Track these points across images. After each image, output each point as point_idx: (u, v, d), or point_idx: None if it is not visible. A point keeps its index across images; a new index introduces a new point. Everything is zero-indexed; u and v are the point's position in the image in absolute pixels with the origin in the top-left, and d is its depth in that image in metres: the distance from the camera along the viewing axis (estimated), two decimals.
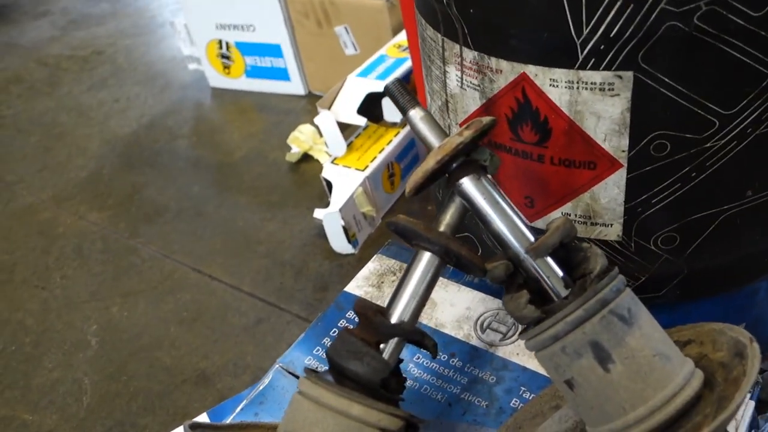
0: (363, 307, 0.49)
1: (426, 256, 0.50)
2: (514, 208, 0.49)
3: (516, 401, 0.61)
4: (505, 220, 0.48)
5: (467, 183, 0.49)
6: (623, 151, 0.55)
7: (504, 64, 0.55)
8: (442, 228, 0.50)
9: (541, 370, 0.63)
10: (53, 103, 1.70)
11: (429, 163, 0.47)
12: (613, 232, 0.61)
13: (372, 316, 0.48)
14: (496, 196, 0.49)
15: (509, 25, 0.53)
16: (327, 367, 0.49)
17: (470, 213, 0.50)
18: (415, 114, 0.51)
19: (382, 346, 0.49)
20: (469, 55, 0.57)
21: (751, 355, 0.44)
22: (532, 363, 0.64)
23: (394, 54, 1.18)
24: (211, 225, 1.21)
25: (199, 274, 1.10)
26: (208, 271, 1.10)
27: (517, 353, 0.65)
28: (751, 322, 0.74)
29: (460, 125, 0.63)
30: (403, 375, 0.51)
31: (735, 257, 0.63)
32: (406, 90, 0.51)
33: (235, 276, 1.08)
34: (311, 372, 0.48)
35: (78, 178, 1.40)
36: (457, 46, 0.58)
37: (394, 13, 1.25)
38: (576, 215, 0.61)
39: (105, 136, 1.53)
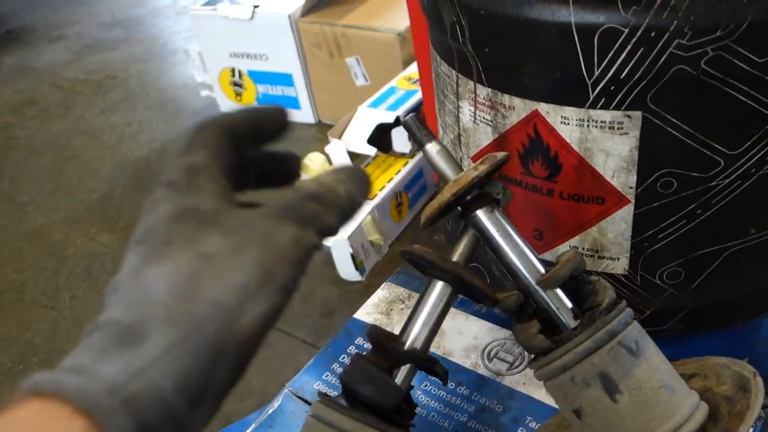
0: (376, 333, 0.50)
1: (439, 285, 0.51)
2: (525, 240, 0.51)
3: (522, 430, 0.62)
4: (516, 252, 0.50)
5: (481, 215, 0.50)
6: (631, 187, 0.57)
7: (517, 101, 0.57)
8: (455, 258, 0.52)
9: (547, 400, 0.64)
10: (67, 126, 1.73)
11: (445, 196, 0.49)
12: (620, 265, 0.62)
13: (385, 343, 0.49)
14: (509, 229, 0.50)
15: (523, 63, 0.55)
16: (337, 393, 0.50)
17: (482, 244, 0.52)
18: (432, 148, 0.53)
19: (394, 372, 0.50)
20: (483, 91, 0.59)
21: (755, 389, 0.45)
22: (538, 393, 0.65)
23: (405, 86, 1.20)
24: None
25: None
26: None
27: (524, 383, 0.66)
28: (755, 357, 0.75)
29: (472, 159, 0.65)
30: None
31: (738, 293, 0.64)
32: (423, 124, 0.53)
33: None
34: (324, 396, 0.50)
35: (89, 200, 1.42)
36: (472, 83, 0.60)
37: (404, 46, 1.28)
38: (584, 249, 0.62)
39: (117, 159, 1.55)
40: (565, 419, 0.59)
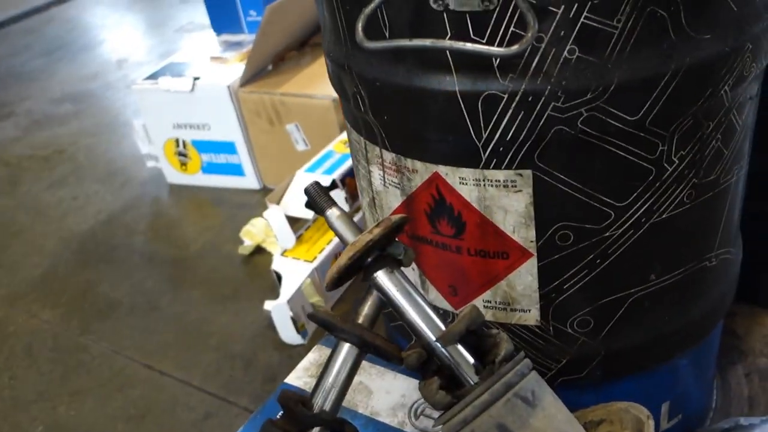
0: (285, 398, 0.51)
1: (345, 347, 0.52)
2: (426, 298, 0.52)
3: None
4: (417, 309, 0.51)
5: (381, 276, 0.52)
6: (531, 241, 0.59)
7: (419, 165, 0.60)
8: (360, 320, 0.53)
9: None
10: (13, 202, 1.73)
11: (342, 260, 0.50)
12: (532, 317, 0.64)
13: (293, 407, 0.50)
14: (408, 288, 0.52)
15: (420, 130, 0.58)
16: None
17: (387, 305, 0.53)
18: (332, 214, 0.55)
19: None
20: (388, 156, 0.62)
21: None
22: None
23: (341, 150, 1.23)
24: (164, 319, 1.22)
25: (150, 370, 1.11)
26: (158, 367, 1.11)
27: None
28: (678, 398, 0.77)
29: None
30: None
31: (648, 337, 0.67)
32: (324, 191, 0.56)
33: (186, 370, 1.09)
34: None
35: (32, 276, 1.41)
36: (377, 149, 0.63)
37: (340, 111, 1.31)
38: (496, 302, 0.64)
39: (62, 234, 1.55)
40: None
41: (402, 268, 0.53)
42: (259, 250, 1.34)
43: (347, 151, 1.23)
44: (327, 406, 0.51)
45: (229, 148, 1.49)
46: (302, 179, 1.17)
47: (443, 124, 0.56)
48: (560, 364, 0.67)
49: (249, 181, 1.53)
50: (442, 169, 0.59)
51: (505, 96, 0.51)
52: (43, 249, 1.50)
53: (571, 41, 0.49)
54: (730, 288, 0.72)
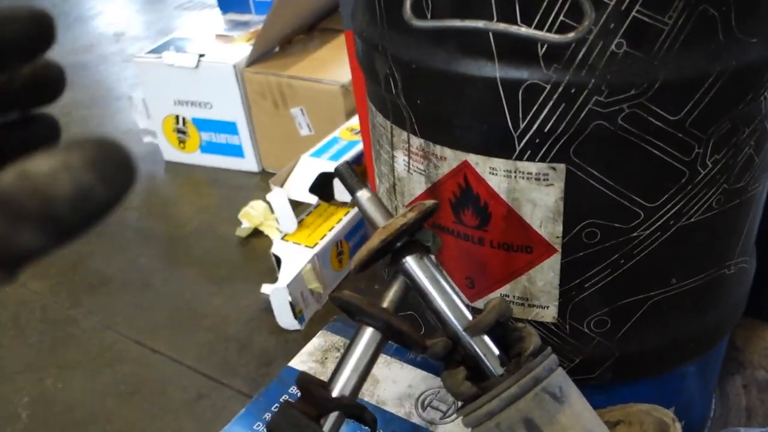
0: (305, 380, 0.50)
1: (368, 332, 0.51)
2: (455, 287, 0.51)
3: None
4: (445, 298, 0.50)
5: (410, 262, 0.51)
6: (557, 237, 0.58)
7: (448, 152, 0.59)
8: (385, 304, 0.52)
9: None
10: None
11: (374, 242, 0.49)
12: (549, 314, 0.63)
13: (313, 390, 0.49)
14: (438, 276, 0.51)
15: (453, 116, 0.57)
16: None
17: (413, 291, 0.52)
18: (362, 195, 0.54)
19: (322, 420, 0.49)
20: (416, 142, 0.61)
21: None
22: None
23: (347, 136, 1.22)
24: (157, 297, 1.20)
25: (141, 347, 1.09)
26: (150, 344, 1.09)
27: None
28: (682, 405, 0.77)
29: (406, 207, 0.66)
30: None
31: (663, 341, 0.66)
32: (355, 172, 0.54)
33: (178, 349, 1.07)
34: None
35: None
36: (405, 134, 0.62)
37: (348, 97, 1.30)
38: (514, 297, 0.64)
39: None
40: None
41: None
42: (256, 233, 1.33)
43: (353, 137, 1.21)
44: (346, 392, 0.50)
45: (230, 128, 1.47)
46: (307, 164, 1.16)
47: (479, 112, 0.55)
48: (573, 363, 0.66)
49: (248, 163, 1.51)
50: (473, 158, 0.58)
51: (548, 86, 0.51)
52: None
53: (620, 35, 0.48)
54: (743, 298, 0.72)
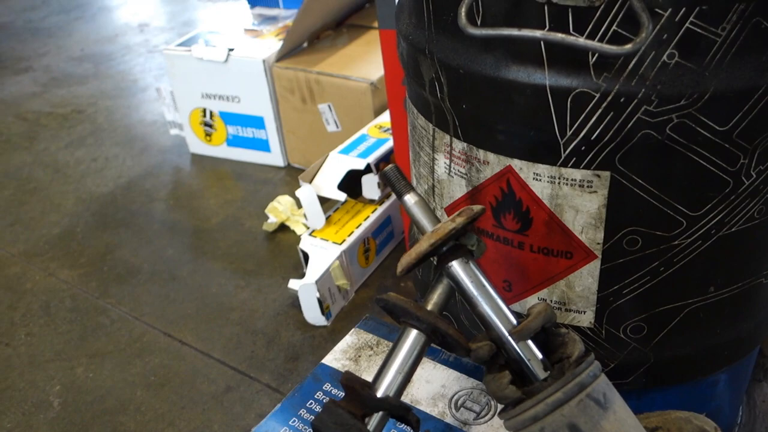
0: (350, 380, 0.51)
1: (413, 334, 0.52)
2: (498, 292, 0.52)
3: None
4: (490, 303, 0.51)
5: (456, 266, 0.52)
6: (598, 243, 0.59)
7: (491, 157, 0.59)
8: (429, 307, 0.53)
9: None
10: (30, 158, 1.71)
11: (423, 246, 0.50)
12: (586, 319, 0.64)
13: (360, 389, 0.50)
14: (483, 280, 0.52)
15: (498, 121, 0.57)
16: None
17: (458, 295, 0.53)
18: (410, 199, 0.54)
19: (366, 419, 0.50)
20: (459, 145, 0.62)
21: None
22: None
23: (376, 134, 1.23)
24: (184, 289, 1.21)
25: (170, 338, 1.10)
26: (178, 336, 1.10)
27: None
28: (712, 412, 0.77)
29: (446, 209, 0.67)
30: None
31: (697, 348, 0.67)
32: (403, 176, 0.55)
33: (206, 342, 1.08)
34: None
35: (50, 235, 1.40)
36: (448, 137, 0.62)
37: (377, 95, 1.30)
38: (551, 301, 0.64)
39: (80, 194, 1.53)
40: None
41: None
42: (282, 228, 1.34)
43: (382, 135, 1.22)
44: (390, 392, 0.51)
45: (257, 122, 1.48)
46: (335, 161, 1.17)
47: (526, 118, 0.55)
48: (607, 368, 0.66)
49: (274, 157, 1.52)
50: (517, 164, 0.58)
51: (597, 95, 0.51)
52: (61, 208, 1.49)
53: (672, 45, 0.48)
54: None
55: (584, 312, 0.64)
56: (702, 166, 0.54)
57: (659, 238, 0.58)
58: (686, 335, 0.65)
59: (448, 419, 0.68)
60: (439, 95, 0.60)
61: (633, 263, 0.60)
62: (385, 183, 0.55)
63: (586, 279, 0.61)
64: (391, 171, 0.54)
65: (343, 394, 0.50)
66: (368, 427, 0.50)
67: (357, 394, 0.50)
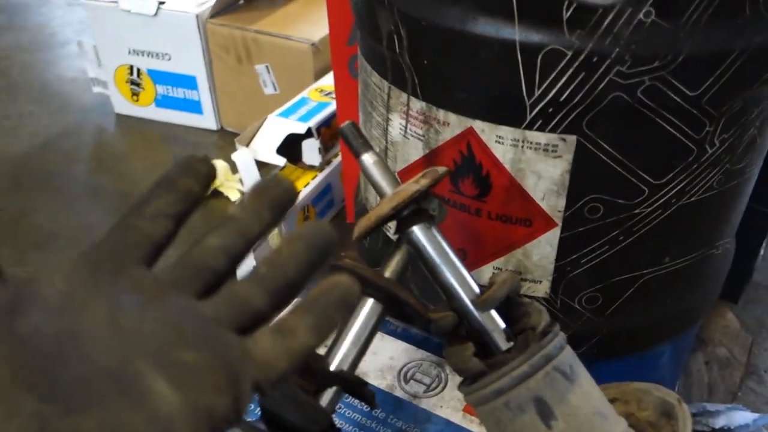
0: None
1: (369, 303, 0.49)
2: (461, 259, 0.49)
3: None
4: (453, 271, 0.48)
5: (417, 231, 0.48)
6: (559, 211, 0.57)
7: (452, 117, 0.56)
8: (388, 275, 0.49)
9: (465, 424, 0.63)
10: None
11: (383, 209, 0.46)
12: (542, 288, 0.62)
13: (312, 363, 0.46)
14: (446, 247, 0.49)
15: (462, 79, 0.54)
16: (252, 417, 0.46)
17: (418, 262, 0.50)
18: (368, 158, 0.50)
19: (319, 395, 0.47)
20: (417, 105, 0.58)
21: (682, 416, 0.45)
22: (455, 416, 0.63)
23: (316, 98, 1.17)
24: None
25: None
26: None
27: (441, 406, 0.65)
28: (655, 381, 0.77)
29: (399, 174, 0.63)
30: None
31: (649, 319, 0.66)
32: (360, 133, 0.51)
33: None
34: (243, 421, 0.46)
35: None
36: (405, 95, 0.59)
37: (318, 57, 1.25)
38: (507, 270, 0.62)
39: None
40: None
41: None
42: (215, 194, 1.27)
43: (323, 99, 1.17)
44: (345, 366, 0.48)
45: (189, 82, 1.40)
46: (275, 124, 1.11)
47: (492, 77, 0.52)
48: None
49: (206, 120, 1.45)
50: (479, 125, 0.55)
51: (569, 53, 0.48)
52: None
53: (649, 3, 0.46)
54: (723, 277, 0.73)
55: (540, 282, 0.62)
56: (668, 133, 0.52)
57: (621, 206, 0.56)
58: (639, 306, 0.64)
59: (398, 392, 0.66)
60: (397, 50, 0.56)
61: (593, 232, 0.58)
62: (343, 141, 0.51)
63: (544, 248, 0.59)
64: (348, 128, 0.50)
65: None
66: (321, 403, 0.46)
67: (308, 368, 0.46)
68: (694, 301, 0.68)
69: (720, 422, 0.80)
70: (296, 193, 0.31)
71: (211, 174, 0.30)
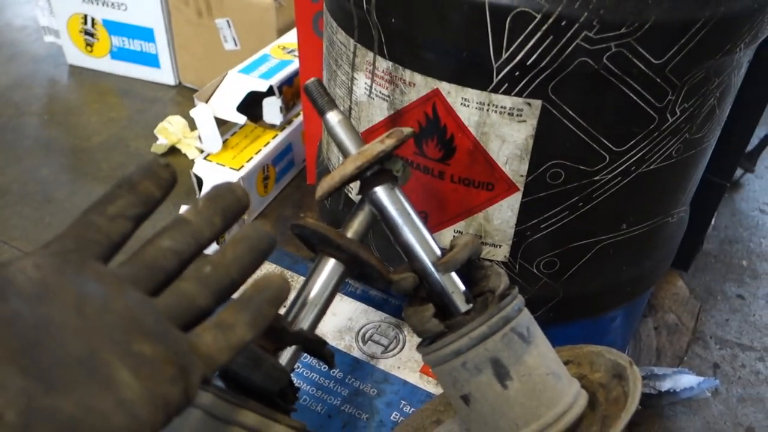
0: None
1: (330, 263, 0.48)
2: (424, 221, 0.49)
3: (396, 415, 0.61)
4: (415, 232, 0.48)
5: (381, 192, 0.48)
6: (521, 175, 0.57)
7: (418, 78, 0.55)
8: (350, 235, 0.49)
9: (422, 385, 0.64)
10: None
11: (347, 168, 0.46)
12: (501, 253, 0.63)
13: (273, 322, 0.45)
14: (408, 208, 0.48)
15: (429, 40, 0.53)
16: None
17: (380, 223, 0.50)
18: (333, 117, 0.50)
19: (278, 353, 0.46)
20: (383, 64, 0.57)
21: (632, 378, 0.47)
22: (412, 377, 0.64)
23: (279, 55, 1.15)
24: (62, 213, 1.10)
25: None
26: None
27: (398, 366, 0.65)
28: (607, 345, 0.80)
29: (363, 134, 0.63)
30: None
31: (603, 285, 0.67)
32: (326, 91, 0.50)
33: None
34: None
35: None
36: (371, 54, 0.58)
37: (281, 13, 1.22)
38: (465, 234, 0.62)
39: None
40: (441, 404, 0.59)
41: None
42: (172, 151, 1.24)
43: (285, 57, 1.14)
44: (305, 325, 0.47)
45: (146, 34, 1.35)
46: (235, 80, 1.08)
47: (460, 37, 0.51)
48: None
49: (164, 74, 1.40)
50: (445, 87, 0.54)
51: (538, 16, 0.48)
52: None
53: None
54: (677, 245, 0.75)
55: (500, 246, 0.62)
56: (631, 100, 0.53)
57: (582, 172, 0.57)
58: (595, 271, 0.65)
59: (355, 353, 0.66)
60: (365, 7, 0.55)
61: (553, 197, 0.58)
62: (307, 98, 0.50)
63: (505, 212, 0.60)
64: (313, 85, 0.49)
65: None
66: (280, 361, 0.46)
67: (270, 327, 0.46)
68: (648, 267, 0.70)
69: (666, 385, 0.83)
70: (249, 202, 0.33)
71: (173, 179, 0.32)
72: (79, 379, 0.25)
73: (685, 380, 0.84)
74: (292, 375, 0.62)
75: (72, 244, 0.29)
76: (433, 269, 0.47)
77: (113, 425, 0.25)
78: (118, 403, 0.25)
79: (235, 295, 0.31)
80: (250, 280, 0.31)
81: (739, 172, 1.25)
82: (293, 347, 0.47)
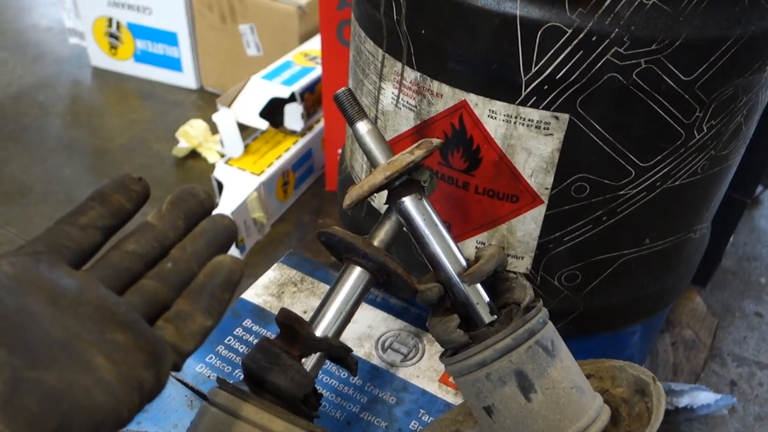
0: (287, 317, 0.47)
1: (357, 272, 0.49)
2: (450, 232, 0.49)
3: (415, 424, 0.61)
4: (441, 243, 0.48)
5: (408, 202, 0.48)
6: (546, 188, 0.57)
7: (446, 89, 0.56)
8: (376, 244, 0.49)
9: (441, 394, 0.64)
10: None
11: (377, 178, 0.46)
12: (523, 264, 0.63)
13: (298, 328, 0.46)
14: (435, 219, 0.49)
15: (459, 51, 0.53)
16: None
17: (406, 233, 0.50)
18: (363, 126, 0.50)
19: (303, 360, 0.47)
20: (411, 75, 0.57)
21: (656, 394, 0.47)
22: (431, 386, 0.64)
23: (301, 62, 1.16)
24: None
25: None
26: None
27: (417, 375, 0.65)
28: (625, 360, 0.79)
29: (389, 143, 0.63)
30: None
31: (624, 299, 0.67)
32: (356, 100, 0.50)
33: None
34: (225, 383, 0.46)
35: None
36: (399, 65, 0.58)
37: (304, 20, 1.23)
38: (489, 245, 0.62)
39: None
40: (460, 415, 0.59)
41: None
42: (193, 155, 1.26)
43: (308, 64, 1.15)
44: (330, 332, 0.48)
45: (170, 38, 1.37)
46: (258, 86, 1.09)
47: (490, 50, 0.52)
48: None
49: (186, 78, 1.42)
50: (473, 99, 0.55)
51: (569, 31, 0.48)
52: None
53: None
54: (698, 261, 0.75)
55: (522, 258, 0.62)
56: (659, 116, 0.53)
57: (607, 186, 0.57)
58: (616, 286, 0.65)
59: (375, 360, 0.66)
60: (395, 17, 0.56)
61: (578, 211, 0.58)
62: (337, 107, 0.50)
63: (529, 224, 0.60)
64: (344, 94, 0.50)
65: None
66: (305, 368, 0.46)
67: (294, 332, 0.46)
68: (669, 283, 0.70)
69: (684, 401, 0.82)
70: (213, 204, 0.35)
71: (145, 193, 0.35)
72: (61, 358, 0.27)
73: (703, 397, 0.83)
74: None
75: (43, 248, 0.30)
76: (458, 280, 0.48)
77: (94, 401, 0.26)
78: (96, 381, 0.27)
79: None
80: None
81: (758, 188, 1.24)
82: (318, 354, 0.47)
